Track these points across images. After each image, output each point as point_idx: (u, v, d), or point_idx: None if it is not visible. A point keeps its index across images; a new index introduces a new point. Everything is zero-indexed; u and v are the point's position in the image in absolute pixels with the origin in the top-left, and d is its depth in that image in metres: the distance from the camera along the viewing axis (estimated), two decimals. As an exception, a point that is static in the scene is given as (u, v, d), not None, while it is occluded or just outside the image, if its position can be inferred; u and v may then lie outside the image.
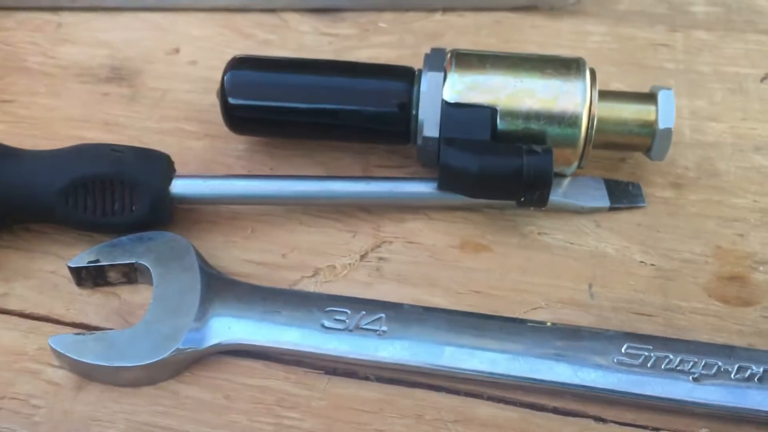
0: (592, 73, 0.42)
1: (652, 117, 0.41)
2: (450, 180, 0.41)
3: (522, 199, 0.40)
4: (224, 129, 0.44)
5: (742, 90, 0.49)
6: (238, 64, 0.44)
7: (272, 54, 0.52)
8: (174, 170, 0.41)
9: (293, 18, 0.55)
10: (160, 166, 0.40)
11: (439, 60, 0.42)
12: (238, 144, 0.47)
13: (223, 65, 0.44)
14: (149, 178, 0.39)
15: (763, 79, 0.50)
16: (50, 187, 0.38)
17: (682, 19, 0.54)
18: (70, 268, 0.38)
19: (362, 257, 0.41)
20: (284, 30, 0.54)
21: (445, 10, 0.55)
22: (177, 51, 0.53)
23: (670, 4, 0.56)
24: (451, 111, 0.41)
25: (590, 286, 0.40)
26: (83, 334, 0.36)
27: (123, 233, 0.39)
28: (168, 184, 0.40)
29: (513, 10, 0.55)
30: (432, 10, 0.55)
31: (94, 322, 0.38)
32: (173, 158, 0.42)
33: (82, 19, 0.55)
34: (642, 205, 0.43)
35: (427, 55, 0.43)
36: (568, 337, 0.36)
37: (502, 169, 0.39)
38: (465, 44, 0.53)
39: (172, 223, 0.41)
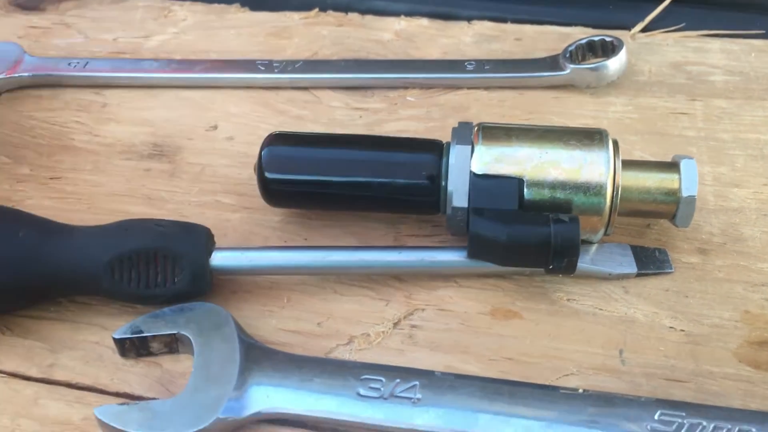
0: (615, 143, 0.43)
1: (676, 185, 0.42)
2: (479, 249, 0.42)
3: (550, 267, 0.41)
4: (260, 201, 0.46)
5: (764, 156, 0.50)
6: (275, 140, 0.46)
7: (306, 129, 0.55)
8: (214, 243, 0.43)
9: (325, 94, 0.58)
10: (201, 239, 0.42)
11: (467, 133, 0.44)
12: (273, 216, 0.48)
13: (258, 141, 0.47)
14: (191, 251, 0.41)
15: (784, 145, 0.51)
16: (98, 261, 0.40)
17: (701, 89, 0.56)
18: (114, 339, 0.40)
19: (395, 325, 0.42)
20: (316, 105, 0.57)
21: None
22: (215, 127, 0.55)
23: (689, 74, 0.57)
24: (479, 182, 0.42)
25: (621, 352, 0.40)
26: (127, 404, 0.37)
27: (165, 304, 0.41)
28: (208, 256, 0.42)
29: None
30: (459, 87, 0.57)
31: (137, 392, 0.40)
32: (212, 231, 0.44)
33: (125, 99, 0.58)
34: (669, 270, 0.44)
35: (454, 129, 0.44)
36: (601, 404, 0.36)
37: (530, 237, 0.40)
38: (489, 116, 0.55)
39: (211, 293, 0.43)
